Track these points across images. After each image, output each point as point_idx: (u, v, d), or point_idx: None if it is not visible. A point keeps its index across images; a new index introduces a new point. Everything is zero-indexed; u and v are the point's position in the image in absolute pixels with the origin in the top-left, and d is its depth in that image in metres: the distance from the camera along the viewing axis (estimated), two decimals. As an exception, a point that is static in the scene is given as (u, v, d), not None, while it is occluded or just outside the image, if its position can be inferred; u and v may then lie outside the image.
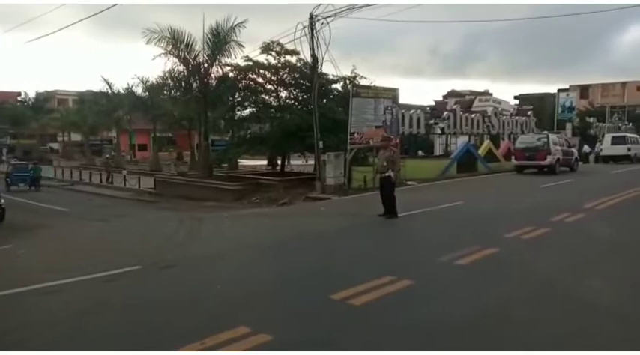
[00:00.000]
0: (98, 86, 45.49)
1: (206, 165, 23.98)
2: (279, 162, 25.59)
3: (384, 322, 4.73)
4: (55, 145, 60.84)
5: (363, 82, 20.89)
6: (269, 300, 5.48)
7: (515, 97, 58.67)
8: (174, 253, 7.99)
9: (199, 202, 18.71)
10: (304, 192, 17.69)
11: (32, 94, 60.56)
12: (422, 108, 37.47)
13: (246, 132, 24.33)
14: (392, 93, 19.36)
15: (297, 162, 27.74)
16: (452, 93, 58.53)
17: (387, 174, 10.86)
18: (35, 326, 4.83)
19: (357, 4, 16.55)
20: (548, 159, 20.61)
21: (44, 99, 59.75)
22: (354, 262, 7.27)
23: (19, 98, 61.21)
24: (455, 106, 29.37)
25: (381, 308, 5.10)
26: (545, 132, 26.27)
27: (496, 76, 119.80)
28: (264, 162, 29.98)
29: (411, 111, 22.65)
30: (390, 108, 18.93)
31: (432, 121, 26.87)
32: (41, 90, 61.57)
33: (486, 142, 27.51)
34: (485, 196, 15.34)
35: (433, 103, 56.26)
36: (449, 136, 34.94)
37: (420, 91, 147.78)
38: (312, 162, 22.87)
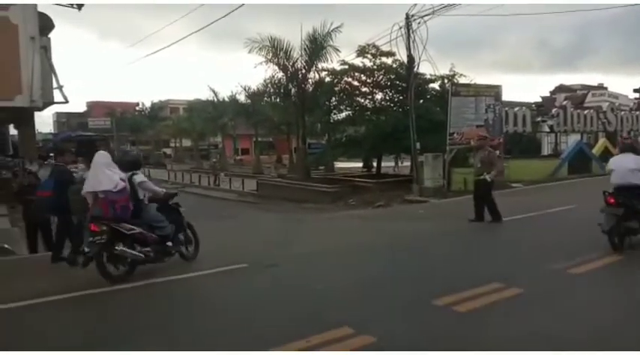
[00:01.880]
0: (205, 95, 48.68)
1: (304, 167, 24.67)
2: (374, 164, 25.56)
3: (491, 331, 4.54)
4: (168, 150, 66.15)
5: (462, 81, 20.23)
6: (370, 302, 5.49)
7: (635, 90, 52.91)
8: (278, 252, 8.30)
9: (298, 204, 19.28)
10: (401, 194, 17.49)
11: (148, 104, 66.60)
12: (527, 105, 35.24)
13: (342, 135, 24.66)
14: (494, 91, 18.49)
15: (388, 164, 27.49)
16: (561, 89, 54.21)
17: (482, 177, 10.40)
18: (140, 320, 5.27)
19: (456, 2, 16.06)
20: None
21: (158, 109, 65.38)
22: (458, 267, 7.04)
23: (136, 108, 67.63)
24: (565, 102, 27.26)
25: (488, 317, 4.89)
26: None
27: (610, 69, 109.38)
28: (360, 165, 30.10)
29: (516, 109, 21.38)
30: (492, 106, 18.10)
31: (538, 119, 25.18)
32: (156, 100, 67.47)
33: (602, 140, 25.20)
34: (602, 200, 14.00)
35: (539, 100, 52.59)
36: (558, 135, 32.44)
37: (524, 88, 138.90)
38: (406, 163, 22.59)
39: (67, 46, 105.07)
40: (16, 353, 4.33)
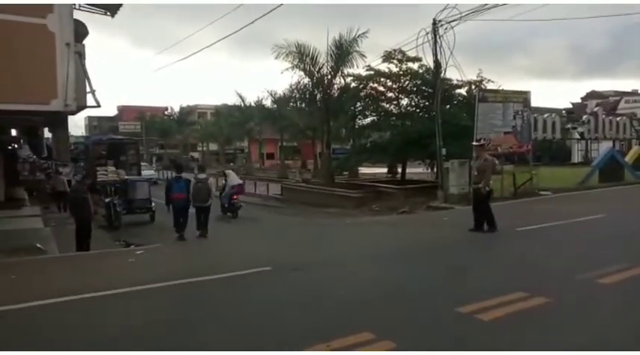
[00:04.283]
0: (233, 100, 49.35)
1: (328, 172, 24.73)
2: (399, 169, 25.42)
3: (515, 340, 4.47)
4: (196, 154, 67.27)
5: (490, 86, 20.00)
6: (393, 308, 5.48)
7: (673, 96, 51.19)
8: (301, 257, 8.36)
9: (322, 209, 19.32)
10: (425, 200, 17.34)
11: (177, 109, 67.95)
12: (557, 111, 34.55)
13: (366, 140, 24.61)
14: (522, 97, 18.17)
15: (414, 170, 27.24)
16: (592, 95, 52.94)
17: (476, 187, 10.25)
18: (162, 322, 5.38)
19: (485, 5, 15.90)
20: None
21: (187, 113, 66.64)
22: (482, 275, 6.96)
23: (165, 112, 69.07)
24: (596, 109, 26.58)
25: (513, 326, 4.82)
26: None
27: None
28: (384, 170, 29.99)
29: (545, 115, 20.98)
30: (520, 112, 17.79)
31: (568, 126, 24.67)
32: (184, 104, 68.80)
33: (635, 148, 24.47)
34: (633, 209, 13.65)
35: (570, 106, 51.48)
36: (589, 142, 31.69)
37: (555, 94, 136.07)
38: (421, 169, 22.33)
39: (101, 52, 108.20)
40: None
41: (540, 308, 5.30)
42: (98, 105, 10.19)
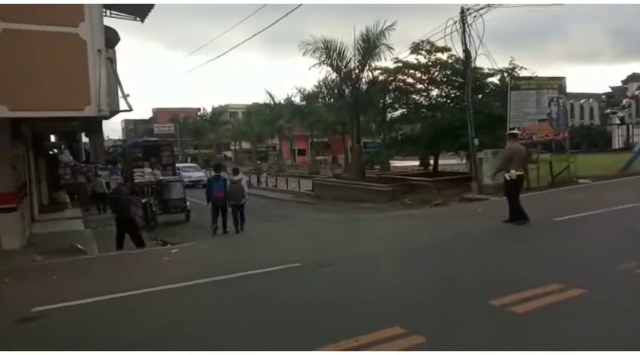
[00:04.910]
0: (262, 98, 49.75)
1: (359, 167, 24.65)
2: (431, 162, 25.09)
3: (548, 333, 4.35)
4: (229, 153, 68.26)
5: (523, 73, 19.47)
6: (424, 302, 5.42)
7: None
8: (332, 252, 8.37)
9: (354, 203, 19.29)
10: (459, 192, 17.06)
11: (209, 109, 69.04)
12: (596, 96, 33.25)
13: (397, 133, 24.41)
14: (557, 83, 17.59)
15: (448, 162, 26.79)
16: (633, 78, 50.56)
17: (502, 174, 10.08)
18: (198, 318, 5.47)
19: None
20: None
21: (218, 113, 67.62)
22: (515, 267, 6.79)
23: (198, 113, 70.31)
24: (637, 92, 25.47)
25: (546, 319, 4.68)
26: None
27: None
28: (416, 163, 29.64)
29: (582, 101, 20.25)
30: (555, 99, 17.22)
31: (607, 111, 23.74)
32: (216, 105, 69.85)
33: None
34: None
35: (609, 90, 49.41)
36: (630, 127, 30.37)
37: (594, 78, 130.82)
38: (455, 161, 21.89)
39: (135, 56, 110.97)
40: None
41: (576, 299, 5.14)
42: (130, 109, 10.47)
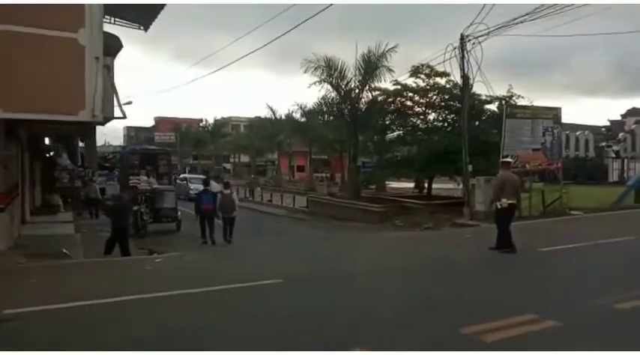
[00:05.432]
0: (264, 113, 49.91)
1: (354, 186, 24.69)
2: (426, 184, 25.13)
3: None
4: (228, 165, 68.36)
5: (521, 102, 19.62)
6: (392, 327, 5.39)
7: None
8: (312, 270, 8.36)
9: (345, 222, 19.29)
10: (450, 217, 17.07)
11: (211, 120, 69.34)
12: (594, 129, 33.50)
13: (393, 154, 24.48)
14: (553, 113, 17.76)
15: (444, 186, 26.79)
16: (632, 112, 50.98)
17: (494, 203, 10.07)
18: (179, 328, 5.46)
19: (514, 20, 15.66)
20: None
21: (220, 125, 67.90)
22: (494, 295, 6.77)
23: (200, 124, 70.63)
24: (634, 126, 25.69)
25: (514, 348, 4.66)
26: None
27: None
28: (412, 185, 29.68)
29: (577, 133, 20.39)
30: (550, 129, 17.37)
31: (603, 144, 23.88)
32: (219, 116, 70.17)
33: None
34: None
35: (608, 123, 49.75)
36: (626, 161, 30.53)
37: (596, 111, 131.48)
38: (451, 185, 21.93)
39: (140, 64, 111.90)
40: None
41: (549, 331, 5.11)
42: (124, 117, 10.58)
